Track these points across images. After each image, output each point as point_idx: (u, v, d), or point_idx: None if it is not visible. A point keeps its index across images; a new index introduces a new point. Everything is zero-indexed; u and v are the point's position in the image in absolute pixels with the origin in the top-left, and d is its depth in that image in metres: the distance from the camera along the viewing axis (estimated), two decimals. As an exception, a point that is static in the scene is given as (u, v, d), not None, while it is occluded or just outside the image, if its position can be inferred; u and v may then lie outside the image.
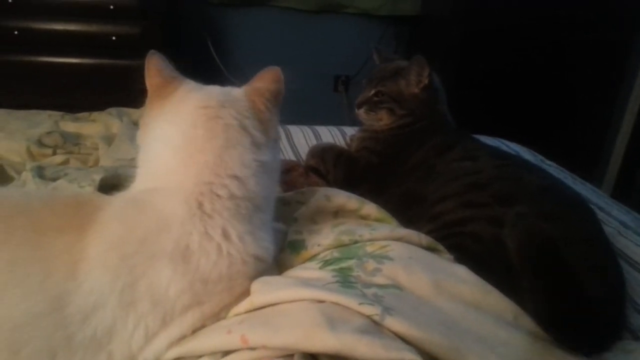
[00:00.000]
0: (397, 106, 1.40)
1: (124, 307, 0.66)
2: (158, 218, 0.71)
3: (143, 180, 0.78)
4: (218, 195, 0.73)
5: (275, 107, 0.82)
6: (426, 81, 1.38)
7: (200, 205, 0.72)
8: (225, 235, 0.73)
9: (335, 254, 0.84)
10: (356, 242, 0.87)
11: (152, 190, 0.75)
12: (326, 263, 0.82)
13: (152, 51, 0.85)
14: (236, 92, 0.82)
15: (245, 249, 0.74)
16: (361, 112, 1.45)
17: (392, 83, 1.42)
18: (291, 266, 0.85)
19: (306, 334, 0.63)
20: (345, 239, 0.87)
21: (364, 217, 0.98)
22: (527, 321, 0.76)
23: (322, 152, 1.45)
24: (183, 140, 0.76)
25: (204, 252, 0.71)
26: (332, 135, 1.65)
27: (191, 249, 0.70)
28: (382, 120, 1.42)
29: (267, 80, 0.81)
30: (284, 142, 1.55)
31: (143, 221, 0.70)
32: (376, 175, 1.32)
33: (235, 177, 0.75)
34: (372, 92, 1.44)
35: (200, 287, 0.70)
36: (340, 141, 1.61)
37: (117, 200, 0.75)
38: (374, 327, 0.65)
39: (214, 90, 0.83)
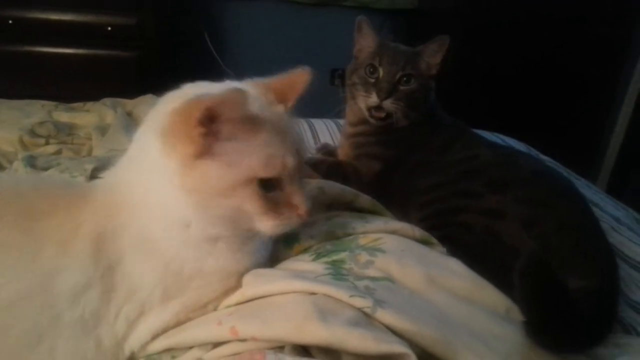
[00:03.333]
0: (426, 96, 1.22)
1: (106, 292, 0.66)
2: (123, 210, 0.69)
3: (121, 159, 0.75)
4: (146, 191, 0.69)
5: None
6: (439, 65, 1.22)
7: (146, 198, 0.69)
8: (170, 237, 0.69)
9: (328, 247, 0.84)
10: (349, 234, 0.86)
11: (120, 177, 0.72)
12: (319, 255, 0.82)
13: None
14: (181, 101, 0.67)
15: (202, 260, 0.71)
16: (388, 104, 1.19)
17: (418, 66, 1.21)
18: (284, 259, 0.84)
19: (297, 326, 0.63)
20: (339, 231, 0.87)
21: (357, 210, 0.97)
22: (519, 315, 0.76)
23: (312, 168, 1.23)
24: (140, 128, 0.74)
25: (163, 251, 0.69)
26: (327, 128, 1.64)
27: (150, 244, 0.68)
28: (408, 117, 1.20)
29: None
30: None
31: (113, 212, 0.69)
32: (380, 181, 1.19)
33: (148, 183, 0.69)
34: (398, 75, 1.20)
35: (172, 282, 0.69)
36: (335, 134, 1.60)
37: (105, 181, 0.74)
38: (365, 320, 0.65)
39: (181, 92, 0.72)
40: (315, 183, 1.00)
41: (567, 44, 2.41)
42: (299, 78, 0.75)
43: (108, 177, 0.75)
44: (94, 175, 0.99)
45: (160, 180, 0.67)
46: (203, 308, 0.73)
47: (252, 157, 0.65)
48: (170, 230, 0.68)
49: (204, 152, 0.64)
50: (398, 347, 0.60)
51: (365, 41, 1.27)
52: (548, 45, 2.40)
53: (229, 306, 0.73)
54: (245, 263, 0.75)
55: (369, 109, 1.22)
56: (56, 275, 0.64)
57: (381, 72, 1.21)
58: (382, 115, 1.21)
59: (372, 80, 1.22)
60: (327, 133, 1.61)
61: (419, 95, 1.21)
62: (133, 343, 0.69)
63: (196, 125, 0.62)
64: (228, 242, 0.72)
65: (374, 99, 1.20)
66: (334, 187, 0.98)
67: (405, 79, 1.20)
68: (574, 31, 2.38)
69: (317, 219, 0.92)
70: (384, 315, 0.65)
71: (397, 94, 1.19)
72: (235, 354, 0.65)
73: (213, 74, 0.84)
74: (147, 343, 0.69)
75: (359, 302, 0.67)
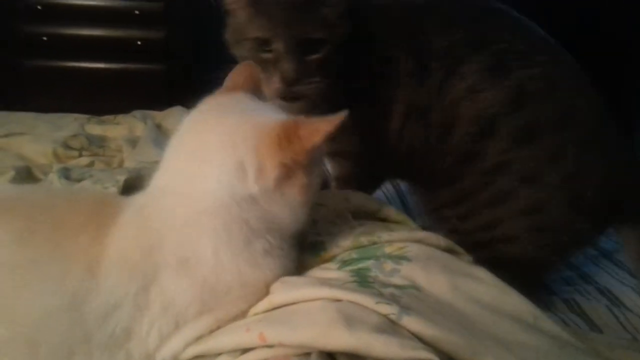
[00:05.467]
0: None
1: (138, 310, 0.67)
2: (159, 228, 0.70)
3: (153, 183, 0.76)
4: (200, 211, 0.70)
5: (297, 164, 0.70)
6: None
7: (187, 219, 0.70)
8: (217, 257, 0.70)
9: (354, 255, 0.84)
10: (375, 243, 0.87)
11: (156, 197, 0.73)
12: (344, 263, 0.82)
13: (248, 62, 0.83)
14: (261, 120, 0.72)
15: (243, 276, 0.71)
16: (302, 90, 0.89)
17: (318, 21, 0.87)
18: (310, 267, 0.85)
19: (323, 332, 0.64)
20: (364, 240, 0.87)
21: (382, 219, 0.98)
22: (547, 323, 0.76)
23: None
24: (179, 141, 0.75)
25: (203, 267, 0.69)
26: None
27: (191, 262, 0.69)
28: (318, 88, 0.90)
29: (308, 133, 0.68)
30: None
31: (147, 231, 0.70)
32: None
33: (211, 196, 0.70)
34: (292, 43, 0.86)
35: (209, 297, 0.70)
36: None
37: (133, 203, 0.75)
38: (391, 326, 0.66)
39: (245, 104, 0.77)
40: (341, 192, 1.00)
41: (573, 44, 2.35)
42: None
43: (143, 195, 0.76)
44: (126, 185, 1.02)
45: (231, 194, 0.69)
46: (234, 319, 0.73)
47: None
48: (224, 248, 0.70)
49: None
50: (424, 354, 0.61)
51: None
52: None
53: (256, 313, 0.74)
54: (281, 272, 0.76)
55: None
56: (85, 295, 0.65)
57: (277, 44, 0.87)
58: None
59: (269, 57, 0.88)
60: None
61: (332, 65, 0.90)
62: (165, 354, 0.69)
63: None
64: (278, 251, 0.75)
65: (281, 84, 0.89)
66: (359, 197, 0.99)
67: (309, 45, 0.87)
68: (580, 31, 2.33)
69: (342, 228, 0.93)
70: (410, 322, 0.66)
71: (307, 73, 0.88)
72: (262, 360, 0.66)
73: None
74: (179, 353, 0.70)
75: (385, 308, 0.67)
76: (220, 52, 0.97)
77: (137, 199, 0.75)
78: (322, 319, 0.65)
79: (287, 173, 0.70)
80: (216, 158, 0.71)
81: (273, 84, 0.88)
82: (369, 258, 0.82)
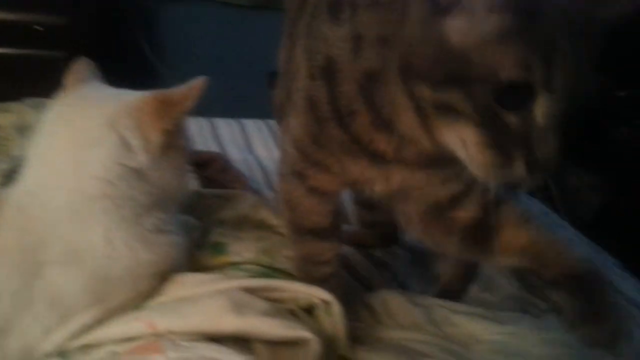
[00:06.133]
0: None
1: (18, 306, 0.65)
2: (41, 227, 0.68)
3: (27, 181, 0.73)
4: (88, 196, 0.69)
5: (169, 131, 0.74)
6: None
7: (75, 210, 0.69)
8: (108, 241, 0.69)
9: (256, 269, 0.85)
10: (273, 266, 0.87)
11: (35, 194, 0.71)
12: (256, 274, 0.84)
13: (80, 59, 0.83)
14: (132, 99, 0.75)
15: (136, 257, 0.71)
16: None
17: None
18: (209, 266, 0.85)
19: (213, 318, 0.66)
20: (264, 259, 0.87)
21: (282, 234, 0.95)
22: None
23: None
24: (48, 137, 0.74)
25: (94, 257, 0.68)
26: (257, 128, 1.64)
27: (81, 252, 0.68)
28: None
29: (182, 97, 0.74)
30: (207, 136, 1.52)
31: (28, 231, 0.68)
32: None
33: (99, 178, 0.70)
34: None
35: (100, 287, 0.69)
36: (267, 135, 1.59)
37: (11, 199, 0.72)
38: (277, 311, 0.70)
39: (105, 90, 0.80)
40: (249, 199, 1.01)
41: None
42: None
43: (21, 185, 0.73)
44: (8, 173, 0.97)
45: (120, 172, 0.70)
46: (124, 309, 0.72)
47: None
48: (115, 229, 0.70)
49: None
50: (305, 333, 0.66)
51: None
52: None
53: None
54: (173, 252, 0.76)
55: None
56: None
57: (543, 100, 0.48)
58: None
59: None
60: (257, 133, 1.62)
61: None
62: (47, 346, 0.67)
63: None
64: (167, 227, 0.76)
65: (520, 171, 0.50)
66: (263, 208, 0.99)
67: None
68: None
69: (247, 235, 0.92)
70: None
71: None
72: (149, 346, 0.66)
73: (150, 77, 0.84)
74: (63, 345, 0.68)
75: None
76: (128, 43, 0.98)
77: (15, 196, 0.72)
78: (212, 307, 0.68)
79: (169, 139, 0.74)
80: (96, 141, 0.71)
81: (515, 168, 0.50)
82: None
